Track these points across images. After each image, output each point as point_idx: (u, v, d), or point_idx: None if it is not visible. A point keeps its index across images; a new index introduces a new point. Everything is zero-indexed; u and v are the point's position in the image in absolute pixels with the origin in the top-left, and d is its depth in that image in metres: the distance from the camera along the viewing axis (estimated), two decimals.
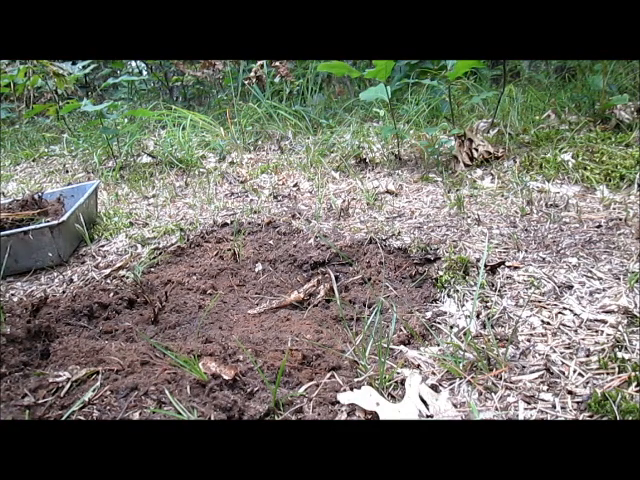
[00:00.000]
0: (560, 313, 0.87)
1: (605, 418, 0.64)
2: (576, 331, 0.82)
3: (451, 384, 0.74)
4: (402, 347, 0.85)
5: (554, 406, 0.67)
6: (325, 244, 1.26)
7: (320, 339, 0.87)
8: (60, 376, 0.76)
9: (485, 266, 1.03)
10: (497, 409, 0.68)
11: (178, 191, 1.90)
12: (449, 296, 0.99)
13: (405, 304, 1.00)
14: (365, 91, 1.92)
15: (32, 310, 1.01)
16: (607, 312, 0.86)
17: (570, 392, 0.69)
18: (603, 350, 0.76)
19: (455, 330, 0.87)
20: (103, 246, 1.45)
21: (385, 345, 0.81)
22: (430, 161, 1.84)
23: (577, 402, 0.67)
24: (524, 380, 0.72)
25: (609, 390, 0.66)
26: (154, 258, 1.32)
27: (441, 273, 1.05)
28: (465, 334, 0.84)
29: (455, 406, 0.69)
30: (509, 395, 0.70)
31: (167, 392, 0.71)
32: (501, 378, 0.73)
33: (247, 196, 1.76)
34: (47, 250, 1.30)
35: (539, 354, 0.78)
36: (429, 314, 0.94)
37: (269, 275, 1.21)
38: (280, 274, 1.21)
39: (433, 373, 0.77)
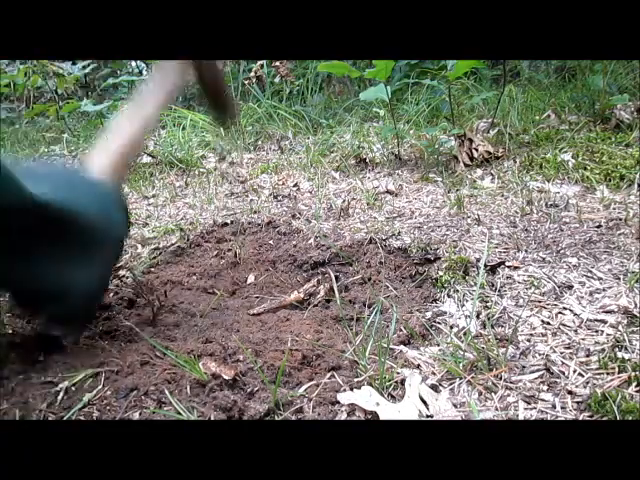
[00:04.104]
0: (560, 313, 0.87)
1: (605, 418, 0.64)
2: (576, 331, 0.82)
3: (451, 384, 0.74)
4: (402, 347, 0.85)
5: (554, 406, 0.67)
6: (325, 244, 1.26)
7: (320, 339, 0.87)
8: (59, 377, 0.76)
9: (485, 266, 1.03)
10: (497, 409, 0.68)
11: (178, 191, 1.90)
12: (449, 296, 0.99)
13: (405, 304, 1.00)
14: (365, 91, 1.92)
15: None
16: (607, 312, 0.86)
17: (570, 392, 0.69)
18: (603, 350, 0.76)
19: (455, 330, 0.87)
20: None
21: (385, 345, 0.81)
22: (430, 161, 1.84)
23: (577, 402, 0.67)
24: (524, 380, 0.72)
25: (609, 390, 0.66)
26: (154, 258, 1.32)
27: (441, 273, 1.05)
28: (465, 334, 0.84)
29: (455, 406, 0.69)
30: (509, 395, 0.70)
31: (167, 392, 0.71)
32: (501, 378, 0.73)
33: (247, 196, 1.76)
34: None
35: (539, 354, 0.78)
36: (429, 314, 0.94)
37: (269, 275, 1.21)
38: (280, 274, 1.21)
39: (433, 373, 0.77)
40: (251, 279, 1.21)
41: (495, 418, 0.66)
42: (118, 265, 1.28)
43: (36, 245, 0.71)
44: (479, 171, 1.70)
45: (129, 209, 0.84)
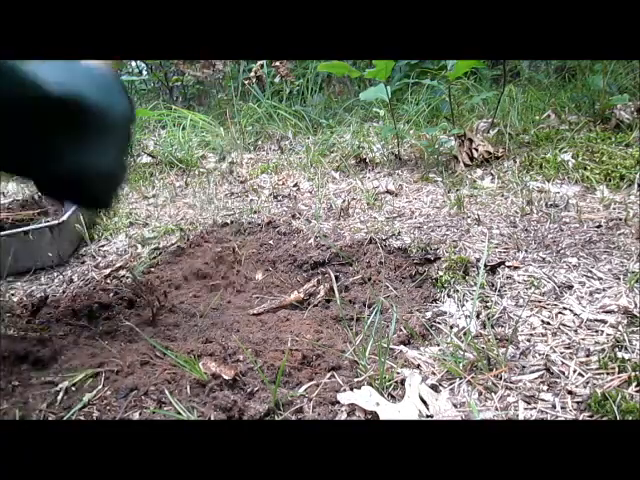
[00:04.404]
0: (560, 313, 0.87)
1: (605, 418, 0.64)
2: (576, 331, 0.82)
3: (451, 384, 0.74)
4: (402, 347, 0.85)
5: (554, 406, 0.67)
6: (325, 244, 1.26)
7: (320, 339, 0.87)
8: (59, 377, 0.76)
9: (485, 266, 1.03)
10: (497, 409, 0.68)
11: (178, 191, 1.90)
12: (449, 296, 0.99)
13: (405, 304, 1.00)
14: (365, 91, 1.92)
15: (32, 310, 1.01)
16: (607, 312, 0.86)
17: (570, 392, 0.69)
18: (603, 350, 0.76)
19: (455, 330, 0.87)
20: (103, 246, 1.45)
21: (385, 345, 0.81)
22: (430, 161, 1.84)
23: (577, 402, 0.67)
24: (524, 380, 0.72)
25: (609, 390, 0.66)
26: (154, 258, 1.32)
27: (441, 273, 1.05)
28: (465, 334, 0.84)
29: (455, 406, 0.69)
30: (509, 395, 0.70)
31: (167, 392, 0.71)
32: (501, 378, 0.73)
33: (247, 196, 1.76)
34: (47, 250, 1.30)
35: (539, 354, 0.78)
36: (429, 314, 0.94)
37: (269, 275, 1.21)
38: (280, 274, 1.21)
39: (433, 373, 0.77)
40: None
41: (495, 418, 0.66)
42: (118, 265, 1.28)
43: (52, 133, 0.75)
44: (479, 171, 1.70)
45: (128, 91, 0.87)
